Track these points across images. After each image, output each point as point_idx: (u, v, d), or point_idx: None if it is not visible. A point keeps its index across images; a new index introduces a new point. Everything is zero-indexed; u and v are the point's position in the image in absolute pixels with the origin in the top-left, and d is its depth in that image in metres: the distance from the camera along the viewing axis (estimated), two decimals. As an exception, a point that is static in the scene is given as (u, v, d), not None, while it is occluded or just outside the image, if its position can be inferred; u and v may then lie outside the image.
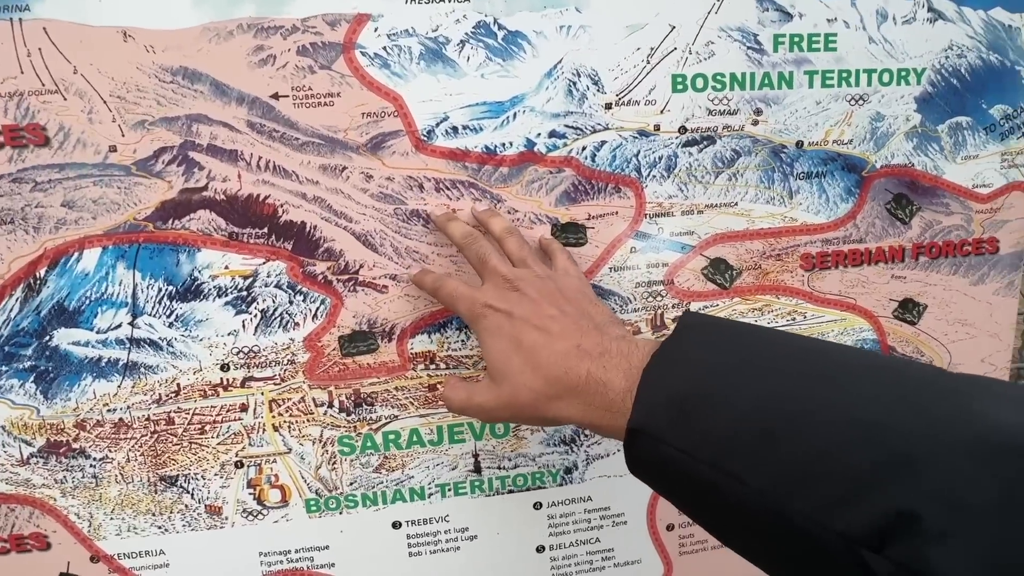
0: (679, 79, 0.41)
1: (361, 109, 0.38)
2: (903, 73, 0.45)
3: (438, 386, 0.42)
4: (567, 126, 0.41)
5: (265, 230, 0.39)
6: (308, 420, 0.41)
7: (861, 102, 0.44)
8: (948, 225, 0.48)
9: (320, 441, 0.42)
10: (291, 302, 0.40)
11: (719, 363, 0.27)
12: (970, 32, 0.45)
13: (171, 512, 0.41)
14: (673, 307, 0.44)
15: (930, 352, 0.50)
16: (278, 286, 0.40)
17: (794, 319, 0.47)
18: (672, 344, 0.29)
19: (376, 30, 0.37)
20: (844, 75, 0.44)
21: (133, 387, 0.39)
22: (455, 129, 0.39)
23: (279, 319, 0.40)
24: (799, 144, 0.44)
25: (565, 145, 0.41)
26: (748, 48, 0.42)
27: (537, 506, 0.45)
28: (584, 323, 0.33)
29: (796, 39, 0.42)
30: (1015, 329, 0.51)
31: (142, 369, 0.39)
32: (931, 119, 0.46)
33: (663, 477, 0.28)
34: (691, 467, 0.25)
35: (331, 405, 0.41)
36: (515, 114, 0.40)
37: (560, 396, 0.31)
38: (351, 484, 0.43)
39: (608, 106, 0.41)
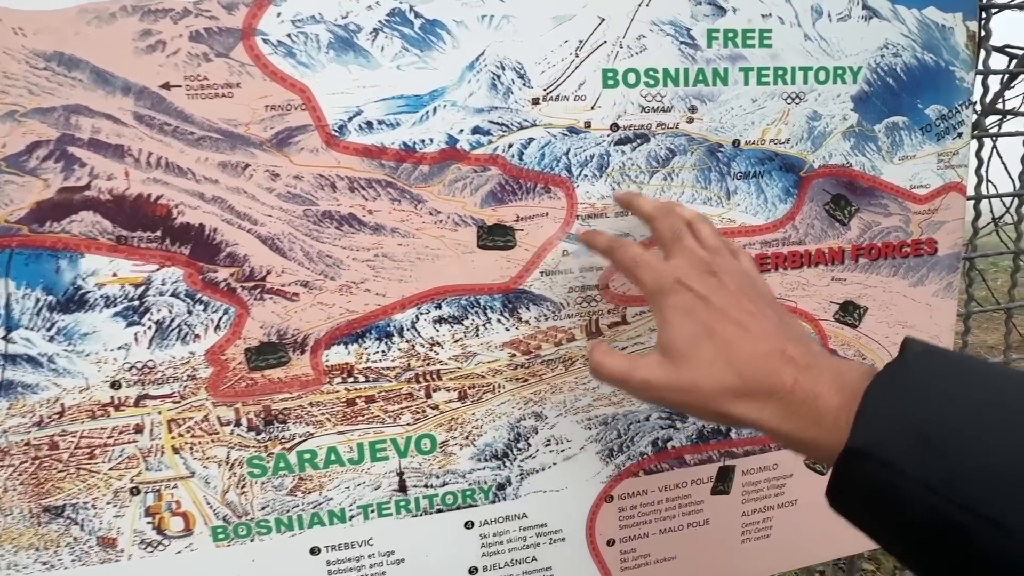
0: (610, 74, 0.39)
1: (264, 101, 0.35)
2: (839, 71, 0.44)
3: (357, 400, 0.39)
4: (492, 122, 0.38)
5: (158, 233, 0.35)
6: (213, 440, 0.38)
7: (798, 100, 0.43)
8: (887, 226, 0.47)
9: (227, 463, 0.38)
10: (190, 312, 0.36)
11: (964, 396, 0.24)
12: (904, 31, 0.45)
13: (58, 546, 0.37)
14: (609, 312, 0.42)
15: (872, 355, 0.49)
16: (175, 295, 0.36)
17: (735, 323, 0.45)
18: (899, 369, 0.26)
19: (279, 15, 0.34)
20: (780, 72, 0.42)
21: (9, 408, 0.35)
22: (369, 124, 0.37)
23: (177, 331, 0.36)
24: (736, 143, 0.43)
25: (490, 142, 0.38)
26: (681, 43, 0.40)
27: (468, 525, 0.43)
28: (787, 330, 0.31)
29: (730, 34, 0.41)
30: (955, 330, 0.51)
31: (19, 388, 0.35)
32: (868, 118, 0.45)
33: (883, 511, 0.24)
34: (931, 503, 0.22)
35: (238, 424, 0.38)
36: (435, 109, 0.37)
37: (753, 396, 0.29)
38: (263, 509, 0.39)
39: (535, 101, 0.39)
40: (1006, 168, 0.83)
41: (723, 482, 0.47)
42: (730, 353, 0.30)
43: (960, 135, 0.47)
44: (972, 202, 0.54)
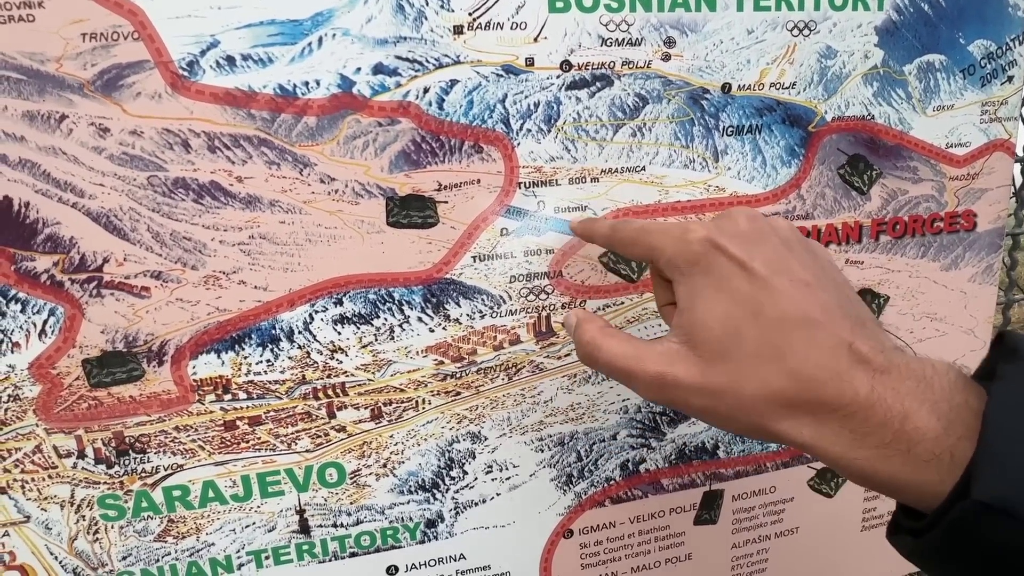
0: (559, -7, 0.30)
1: (79, 27, 0.26)
2: (861, -6, 0.34)
3: (238, 422, 0.31)
4: (399, 58, 0.29)
5: (-53, 210, 0.26)
6: (51, 476, 0.30)
7: (807, 32, 0.34)
8: (916, 195, 0.38)
9: (71, 504, 0.30)
10: (3, 314, 0.28)
11: None
12: (946, -59, 0.35)
13: None
14: (563, 307, 0.34)
15: (892, 353, 0.40)
16: (-20, 291, 0.27)
17: (724, 318, 0.36)
18: (1020, 381, 0.20)
19: (91, -95, 0.25)
20: (784, -6, 0.33)
21: None
22: (230, 60, 0.27)
23: (-12, 338, 0.28)
24: (726, 88, 0.33)
25: (399, 85, 0.29)
26: (654, -48, 0.31)
27: (392, 571, 0.35)
28: (852, 311, 0.23)
29: (720, -59, 0.31)
30: (993, 323, 0.42)
31: None
32: (896, 57, 0.36)
33: None
34: None
35: (82, 455, 0.30)
36: (320, 39, 0.28)
37: (810, 409, 0.21)
38: (125, 559, 0.31)
39: (458, 30, 0.29)
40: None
41: (709, 509, 0.39)
42: (784, 343, 0.22)
43: (1011, 79, 0.38)
44: (1020, 165, 0.45)
